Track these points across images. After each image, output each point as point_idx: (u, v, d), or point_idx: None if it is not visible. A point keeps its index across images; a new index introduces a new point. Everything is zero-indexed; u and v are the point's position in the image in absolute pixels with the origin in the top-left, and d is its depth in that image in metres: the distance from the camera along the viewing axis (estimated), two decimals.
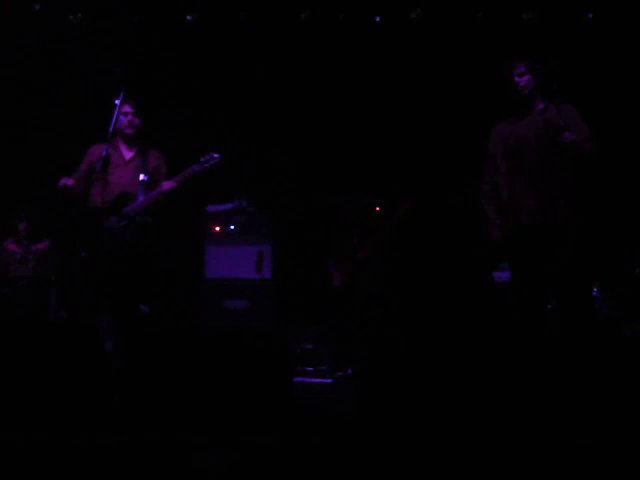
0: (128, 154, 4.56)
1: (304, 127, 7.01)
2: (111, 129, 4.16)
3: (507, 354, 3.93)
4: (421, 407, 3.60)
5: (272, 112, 6.93)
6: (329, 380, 5.84)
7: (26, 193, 6.54)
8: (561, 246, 3.86)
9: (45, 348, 3.95)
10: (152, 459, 3.02)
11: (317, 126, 6.95)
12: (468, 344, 4.06)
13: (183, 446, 3.20)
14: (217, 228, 6.46)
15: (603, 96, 6.34)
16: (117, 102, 4.21)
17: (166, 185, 4.43)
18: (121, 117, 4.43)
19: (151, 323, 4.60)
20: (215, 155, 4.46)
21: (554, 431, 3.32)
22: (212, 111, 6.89)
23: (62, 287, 6.10)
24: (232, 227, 6.46)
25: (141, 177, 4.47)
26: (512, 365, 3.81)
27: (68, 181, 4.32)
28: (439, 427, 3.47)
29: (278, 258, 6.43)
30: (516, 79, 4.02)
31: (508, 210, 4.00)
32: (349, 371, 5.89)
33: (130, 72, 4.28)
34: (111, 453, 3.09)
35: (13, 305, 5.88)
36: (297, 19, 6.99)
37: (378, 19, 7.01)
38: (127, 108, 4.45)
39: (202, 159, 4.45)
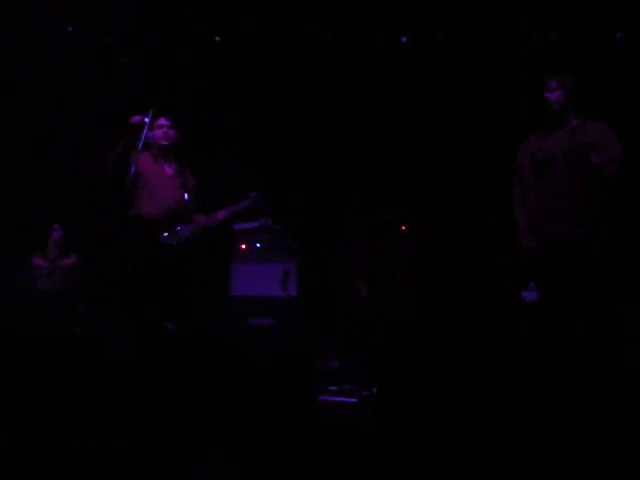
0: (169, 169, 4.58)
1: (331, 145, 7.06)
2: (140, 146, 4.19)
3: (532, 373, 3.89)
4: (444, 425, 3.57)
5: (299, 131, 6.97)
6: (354, 399, 5.79)
7: (56, 208, 6.64)
8: (586, 264, 3.83)
9: (70, 362, 3.98)
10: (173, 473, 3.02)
11: (344, 144, 6.99)
12: (493, 362, 4.03)
13: (203, 461, 3.20)
14: (243, 246, 6.50)
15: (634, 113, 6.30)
16: (146, 120, 4.25)
17: (221, 215, 4.64)
18: (156, 131, 4.49)
19: (177, 340, 4.61)
20: (262, 194, 4.76)
21: (581, 451, 3.27)
22: (237, 132, 6.96)
23: (89, 302, 6.16)
24: (258, 245, 6.50)
25: (185, 196, 4.54)
26: (538, 383, 3.77)
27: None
28: (463, 445, 3.44)
29: (304, 276, 6.44)
30: (547, 94, 4.04)
31: (535, 225, 3.99)
32: (374, 390, 5.85)
33: (160, 90, 4.33)
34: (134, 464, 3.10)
35: (39, 320, 5.94)
36: (323, 39, 7.08)
37: (404, 39, 7.07)
38: (162, 121, 4.51)
39: (251, 195, 4.74)
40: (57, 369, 3.97)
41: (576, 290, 3.89)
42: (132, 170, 4.17)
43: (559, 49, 6.65)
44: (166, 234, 4.38)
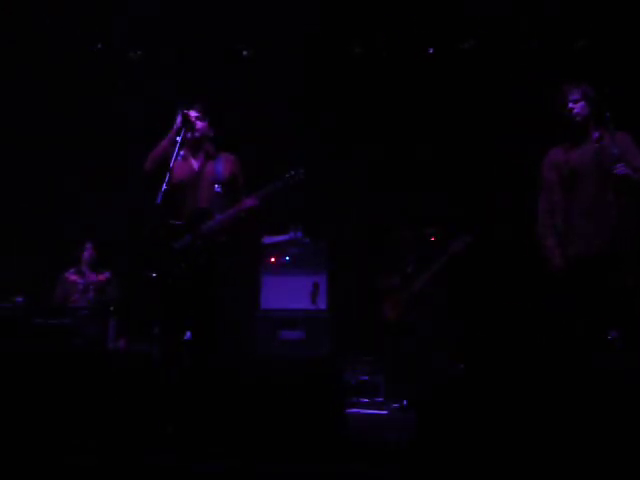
0: (196, 163, 4.26)
1: (360, 156, 7.08)
2: (172, 164, 3.93)
3: (567, 386, 3.84)
4: (481, 442, 3.54)
5: (327, 142, 7.00)
6: (385, 412, 5.79)
7: (89, 224, 6.75)
8: (620, 276, 3.78)
9: (104, 377, 4.04)
10: None
11: (373, 154, 7.00)
12: (529, 378, 3.98)
13: (233, 474, 3.23)
14: (272, 259, 6.53)
15: None
16: (178, 139, 4.04)
17: (247, 202, 4.13)
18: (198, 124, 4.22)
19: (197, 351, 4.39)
20: (300, 170, 4.18)
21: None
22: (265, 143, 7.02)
23: (121, 317, 6.23)
24: (287, 258, 6.52)
25: (216, 188, 4.17)
26: (572, 397, 3.72)
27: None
28: (500, 463, 3.40)
29: (333, 289, 6.45)
30: (570, 105, 3.98)
31: (565, 240, 3.94)
32: (405, 403, 5.84)
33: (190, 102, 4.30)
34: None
35: (73, 335, 6.01)
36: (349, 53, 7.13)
37: (431, 50, 7.10)
38: (193, 113, 4.21)
39: (287, 175, 4.18)
40: (89, 383, 4.02)
41: (611, 304, 3.83)
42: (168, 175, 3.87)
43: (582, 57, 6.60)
44: (188, 236, 4.04)
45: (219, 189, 4.17)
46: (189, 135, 4.15)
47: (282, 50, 7.01)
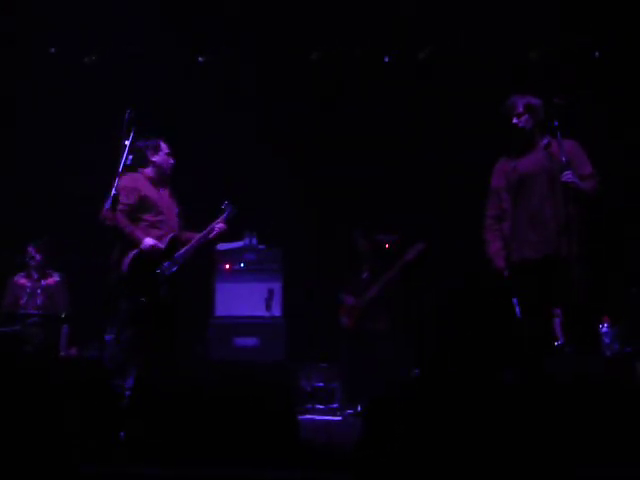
0: (165, 193, 4.73)
1: (313, 163, 7.10)
2: (120, 168, 4.14)
3: (518, 392, 3.88)
4: (431, 447, 3.55)
5: (280, 149, 7.00)
6: (339, 418, 5.80)
7: (36, 225, 6.62)
8: (565, 280, 3.86)
9: (55, 384, 3.97)
10: None
11: (327, 162, 7.03)
12: (481, 382, 4.02)
13: None
14: (227, 266, 6.50)
15: (607, 132, 6.37)
16: (126, 142, 4.20)
17: (219, 226, 4.67)
18: (165, 158, 4.69)
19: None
20: (231, 207, 4.74)
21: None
22: (220, 150, 6.99)
23: (73, 324, 6.14)
24: (242, 264, 6.50)
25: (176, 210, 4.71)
26: (522, 401, 3.76)
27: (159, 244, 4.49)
28: (450, 467, 3.42)
29: (288, 295, 6.45)
30: (514, 120, 4.06)
31: (511, 244, 4.01)
32: (359, 408, 5.86)
33: (140, 113, 4.32)
34: None
35: (24, 342, 5.90)
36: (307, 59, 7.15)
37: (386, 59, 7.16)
38: (166, 148, 4.73)
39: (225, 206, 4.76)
40: (40, 390, 3.95)
41: (556, 307, 3.92)
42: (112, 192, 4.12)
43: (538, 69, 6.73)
44: (167, 263, 4.49)
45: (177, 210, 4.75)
46: (167, 173, 4.72)
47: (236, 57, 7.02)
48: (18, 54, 6.91)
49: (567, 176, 3.84)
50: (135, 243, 4.45)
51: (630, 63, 6.69)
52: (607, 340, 5.51)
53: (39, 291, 6.17)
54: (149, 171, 4.70)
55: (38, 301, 6.14)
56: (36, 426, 3.76)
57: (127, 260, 4.43)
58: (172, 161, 4.74)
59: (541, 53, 6.90)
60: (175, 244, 4.57)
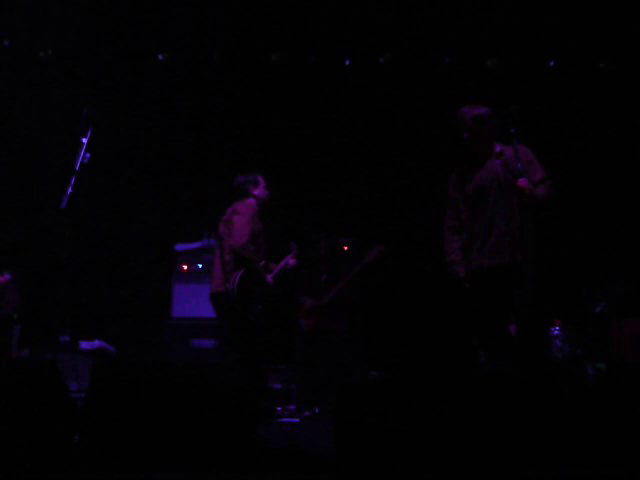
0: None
1: (274, 164, 7.09)
2: (77, 167, 4.08)
3: (476, 394, 3.93)
4: (394, 447, 3.57)
5: (242, 149, 6.99)
6: (296, 419, 5.80)
7: None
8: (518, 285, 3.91)
9: (5, 386, 3.89)
10: None
11: (284, 164, 7.03)
12: (439, 382, 4.06)
13: None
14: (185, 267, 6.45)
15: (562, 138, 6.52)
16: (84, 140, 4.17)
17: (292, 262, 5.70)
18: (267, 191, 5.40)
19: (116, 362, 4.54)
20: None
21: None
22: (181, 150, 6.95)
23: (25, 324, 6.02)
24: (200, 266, 6.45)
25: None
26: (477, 402, 3.81)
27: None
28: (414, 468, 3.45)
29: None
30: (465, 135, 4.08)
31: (470, 254, 4.05)
32: (317, 410, 5.87)
33: (98, 111, 4.28)
34: None
35: None
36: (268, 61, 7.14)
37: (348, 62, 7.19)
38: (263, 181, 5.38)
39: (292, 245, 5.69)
40: None
41: (510, 310, 3.97)
42: None
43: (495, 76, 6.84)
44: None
45: None
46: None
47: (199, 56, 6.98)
48: None
49: (521, 182, 3.89)
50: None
51: (584, 72, 6.87)
52: (558, 343, 5.63)
53: None
54: (252, 202, 5.32)
55: None
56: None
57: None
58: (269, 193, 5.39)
59: (498, 61, 7.02)
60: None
